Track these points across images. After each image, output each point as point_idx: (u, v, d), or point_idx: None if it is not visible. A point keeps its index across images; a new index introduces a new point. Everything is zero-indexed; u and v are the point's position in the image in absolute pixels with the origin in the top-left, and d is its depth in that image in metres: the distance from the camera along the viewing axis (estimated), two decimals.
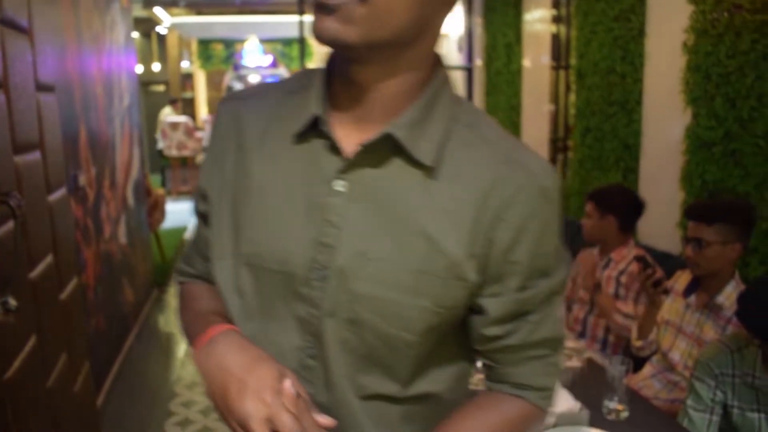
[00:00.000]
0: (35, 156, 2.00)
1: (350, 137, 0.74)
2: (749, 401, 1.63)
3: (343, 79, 0.74)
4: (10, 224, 1.67)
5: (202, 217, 0.87)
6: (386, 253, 0.72)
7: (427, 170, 0.72)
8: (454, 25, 5.50)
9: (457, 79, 5.38)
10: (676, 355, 2.13)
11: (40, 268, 1.96)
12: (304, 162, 0.75)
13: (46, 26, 2.23)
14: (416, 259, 0.72)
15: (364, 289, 0.73)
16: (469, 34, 5.01)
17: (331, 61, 0.76)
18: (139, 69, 11.37)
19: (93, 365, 2.66)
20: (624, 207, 2.53)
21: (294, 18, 5.12)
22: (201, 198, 0.86)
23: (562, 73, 3.90)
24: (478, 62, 4.95)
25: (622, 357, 1.63)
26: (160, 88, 11.98)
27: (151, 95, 11.95)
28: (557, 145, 4.10)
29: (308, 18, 8.52)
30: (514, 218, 0.72)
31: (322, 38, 0.66)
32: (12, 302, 1.62)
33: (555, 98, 4.08)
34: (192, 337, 0.80)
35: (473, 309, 0.78)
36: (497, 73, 4.67)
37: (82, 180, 2.77)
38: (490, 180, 0.72)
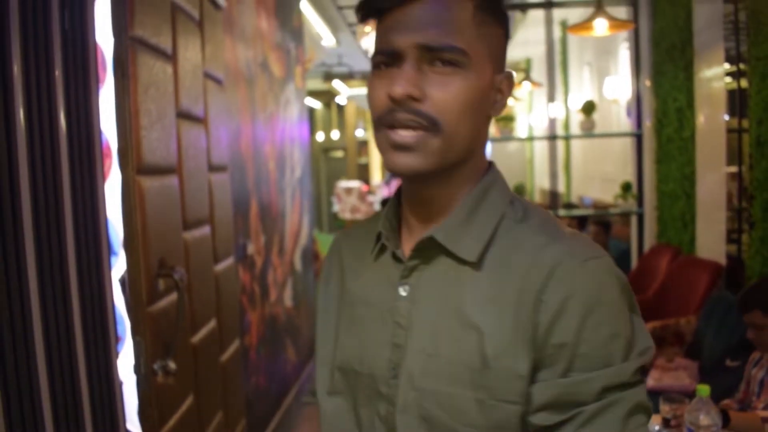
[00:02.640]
0: (204, 230, 2.22)
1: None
2: None
3: (410, 197, 0.84)
4: (174, 295, 1.86)
5: None
6: (444, 349, 0.77)
7: (474, 265, 0.78)
8: (622, 89, 5.33)
9: (627, 145, 5.17)
10: None
11: (203, 332, 2.16)
12: (379, 274, 0.86)
13: (221, 113, 2.50)
14: (469, 353, 0.75)
15: (429, 385, 0.77)
16: (638, 98, 4.81)
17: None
18: (320, 137, 12.25)
19: (250, 422, 2.83)
20: None
21: None
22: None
23: (745, 137, 3.60)
24: (648, 126, 4.73)
25: None
26: (339, 154, 12.73)
27: (331, 161, 12.75)
28: (740, 219, 3.76)
29: None
30: (551, 298, 0.73)
31: (403, 172, 0.76)
32: (171, 366, 1.79)
33: (732, 165, 3.77)
34: None
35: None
36: (668, 140, 4.43)
37: (251, 249, 3.01)
38: (529, 262, 0.75)
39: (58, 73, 1.42)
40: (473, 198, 0.80)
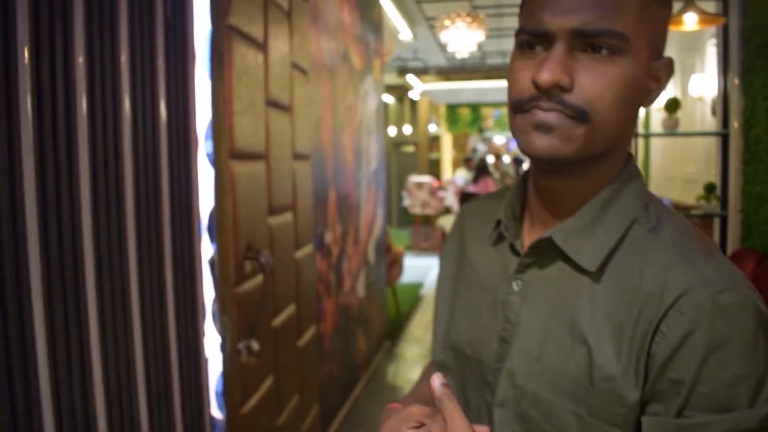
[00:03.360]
0: (287, 217, 2.28)
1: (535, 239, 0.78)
2: None
3: (538, 186, 0.79)
4: (259, 278, 1.92)
5: None
6: (549, 356, 0.73)
7: (592, 275, 0.72)
8: (707, 87, 5.13)
9: (712, 145, 4.98)
10: None
11: (283, 316, 2.21)
12: (497, 260, 0.83)
13: (305, 103, 2.55)
14: (575, 366, 0.71)
15: (528, 386, 0.75)
16: (724, 96, 4.63)
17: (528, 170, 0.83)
18: (392, 131, 12.30)
19: (322, 408, 2.89)
20: None
21: None
22: None
23: None
24: (735, 126, 4.55)
25: None
26: (410, 148, 12.75)
27: (402, 155, 12.79)
28: None
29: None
30: (672, 331, 0.66)
31: (541, 155, 0.70)
32: (255, 345, 1.85)
33: None
34: None
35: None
36: (757, 141, 4.24)
37: (328, 238, 3.07)
38: (652, 285, 0.68)
39: (160, 61, 1.48)
40: (603, 198, 0.74)
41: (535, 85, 0.68)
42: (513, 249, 0.80)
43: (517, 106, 0.71)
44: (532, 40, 0.70)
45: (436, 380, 0.68)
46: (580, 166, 0.72)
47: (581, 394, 0.70)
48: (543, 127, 0.68)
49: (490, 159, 12.28)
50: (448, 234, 0.99)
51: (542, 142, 0.69)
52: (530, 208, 0.81)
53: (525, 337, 0.76)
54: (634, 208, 0.74)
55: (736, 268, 0.70)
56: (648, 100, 0.73)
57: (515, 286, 0.78)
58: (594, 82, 0.67)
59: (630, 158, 0.78)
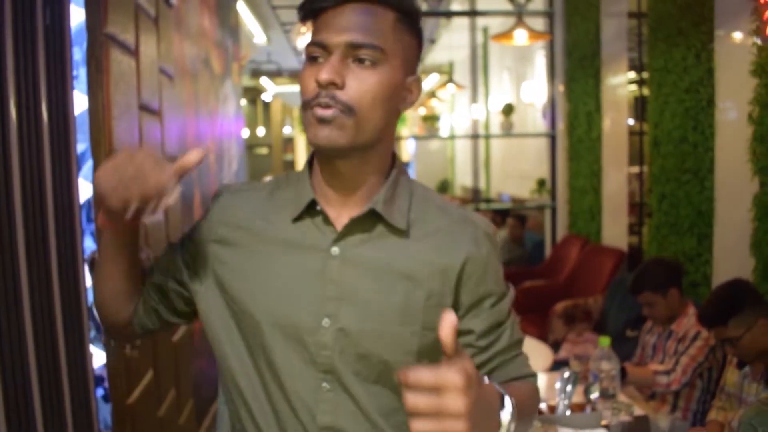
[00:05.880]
0: (159, 217, 2.36)
1: (339, 213, 0.96)
2: None
3: (329, 172, 0.97)
4: None
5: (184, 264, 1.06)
6: (376, 296, 0.94)
7: (401, 232, 0.96)
8: (538, 93, 5.72)
9: (542, 145, 5.57)
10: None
11: None
12: (303, 235, 0.97)
13: (172, 106, 2.63)
14: (400, 296, 0.94)
15: (365, 326, 0.93)
16: (552, 102, 5.21)
17: (311, 161, 1.00)
18: (246, 133, 12.25)
19: (196, 403, 2.97)
20: (677, 273, 2.63)
21: None
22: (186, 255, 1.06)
23: (645, 139, 4.02)
24: (561, 127, 5.13)
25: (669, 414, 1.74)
26: (264, 150, 12.78)
27: (255, 157, 12.76)
28: (640, 210, 4.20)
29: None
30: (479, 257, 0.98)
31: (320, 143, 0.89)
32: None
33: (634, 165, 4.20)
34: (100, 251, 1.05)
35: (460, 332, 0.96)
36: (579, 141, 4.83)
37: None
38: (451, 235, 0.98)
39: (41, 66, 1.55)
40: (391, 181, 0.97)
41: (317, 82, 0.88)
42: (325, 222, 0.96)
43: (306, 104, 0.90)
44: (316, 51, 0.91)
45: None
46: (355, 154, 0.92)
47: (409, 314, 0.94)
48: (323, 121, 0.88)
49: None
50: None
51: (323, 133, 0.88)
52: (321, 191, 0.97)
53: (354, 290, 0.94)
54: (409, 188, 1.00)
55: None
56: (404, 106, 0.97)
57: (334, 252, 0.94)
58: (359, 84, 0.88)
59: (395, 156, 1.01)
